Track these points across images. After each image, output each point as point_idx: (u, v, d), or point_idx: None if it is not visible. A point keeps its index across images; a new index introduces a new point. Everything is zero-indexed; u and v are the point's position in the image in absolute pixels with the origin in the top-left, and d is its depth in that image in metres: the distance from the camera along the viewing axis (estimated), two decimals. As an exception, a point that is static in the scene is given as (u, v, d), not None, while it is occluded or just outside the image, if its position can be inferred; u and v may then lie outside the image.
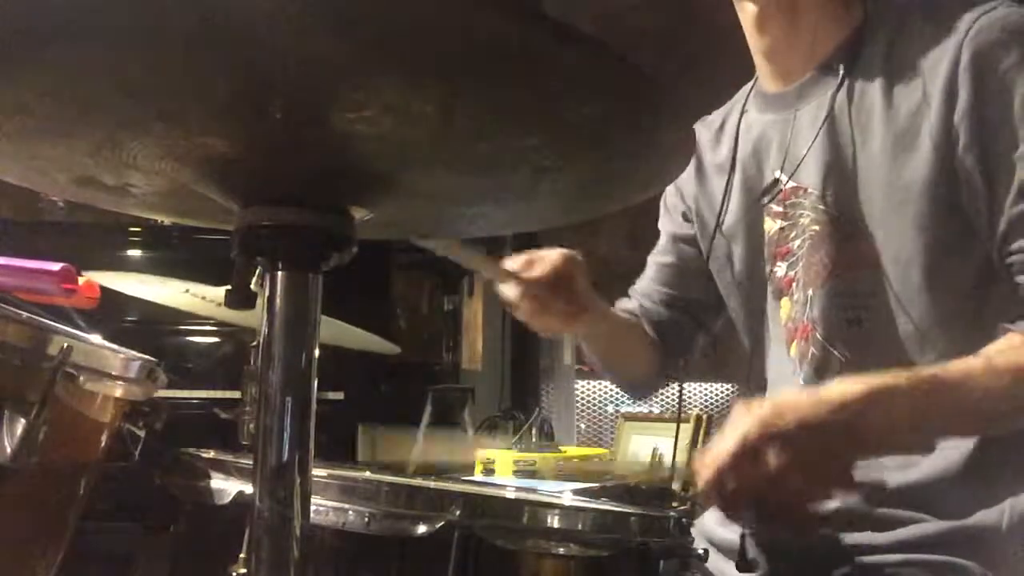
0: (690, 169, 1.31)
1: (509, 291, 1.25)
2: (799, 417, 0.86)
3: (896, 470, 1.00)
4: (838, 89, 1.07)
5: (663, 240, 1.40)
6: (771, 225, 1.17)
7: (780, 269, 1.16)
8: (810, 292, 1.10)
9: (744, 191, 1.21)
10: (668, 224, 1.39)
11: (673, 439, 2.45)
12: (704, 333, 1.39)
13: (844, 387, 0.89)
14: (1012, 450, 1.00)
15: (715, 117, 1.31)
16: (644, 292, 1.40)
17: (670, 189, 1.37)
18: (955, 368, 0.91)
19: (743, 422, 0.87)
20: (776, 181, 1.16)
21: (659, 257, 1.40)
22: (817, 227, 1.09)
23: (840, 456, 0.88)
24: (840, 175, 1.07)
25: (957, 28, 0.97)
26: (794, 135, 1.13)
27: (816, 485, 0.87)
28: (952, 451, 1.00)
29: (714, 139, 1.28)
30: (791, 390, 1.12)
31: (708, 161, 1.28)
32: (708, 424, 2.43)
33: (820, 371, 1.10)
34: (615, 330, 1.37)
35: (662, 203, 1.40)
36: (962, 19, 0.97)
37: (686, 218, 1.34)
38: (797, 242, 1.13)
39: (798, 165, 1.12)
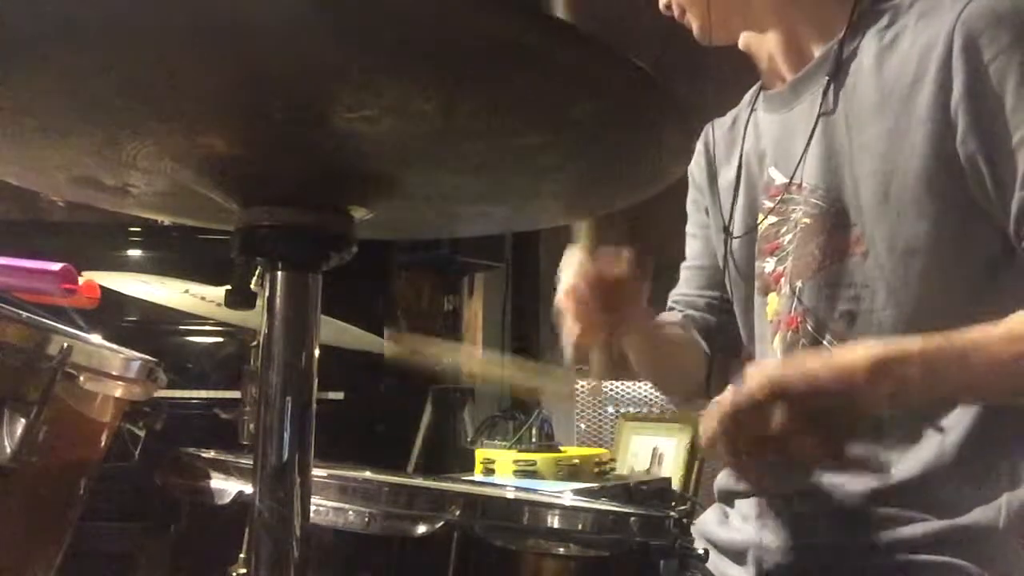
0: (706, 169, 1.32)
1: (571, 273, 1.18)
2: (807, 377, 0.87)
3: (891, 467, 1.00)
4: (829, 84, 1.08)
5: (693, 244, 1.39)
6: (763, 221, 1.18)
7: (768, 264, 1.17)
8: (799, 283, 1.11)
9: (747, 189, 1.22)
10: (695, 227, 1.38)
11: (673, 439, 2.45)
12: None
13: (855, 352, 0.89)
14: (1006, 443, 0.99)
15: (727, 117, 1.32)
16: (687, 302, 1.37)
17: (692, 191, 1.37)
18: (969, 334, 0.91)
19: (751, 378, 0.88)
20: (771, 178, 1.17)
21: (693, 262, 1.38)
22: (809, 220, 1.10)
23: (845, 417, 0.89)
24: (833, 167, 1.08)
25: (947, 14, 0.98)
26: (790, 132, 1.14)
27: (820, 443, 0.88)
28: (945, 446, 1.00)
29: (726, 138, 1.29)
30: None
31: (720, 161, 1.29)
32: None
33: None
34: (663, 343, 1.33)
35: (688, 207, 1.39)
36: (952, 5, 0.98)
37: (708, 216, 1.34)
38: (788, 237, 1.13)
39: (791, 160, 1.12)
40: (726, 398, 0.88)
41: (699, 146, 1.34)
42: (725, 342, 1.33)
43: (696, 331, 1.35)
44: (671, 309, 1.40)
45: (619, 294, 1.18)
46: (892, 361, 0.89)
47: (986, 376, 0.91)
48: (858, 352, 0.89)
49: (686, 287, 1.39)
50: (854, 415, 0.89)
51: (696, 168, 1.35)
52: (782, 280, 1.14)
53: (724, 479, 1.22)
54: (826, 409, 0.87)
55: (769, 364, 0.90)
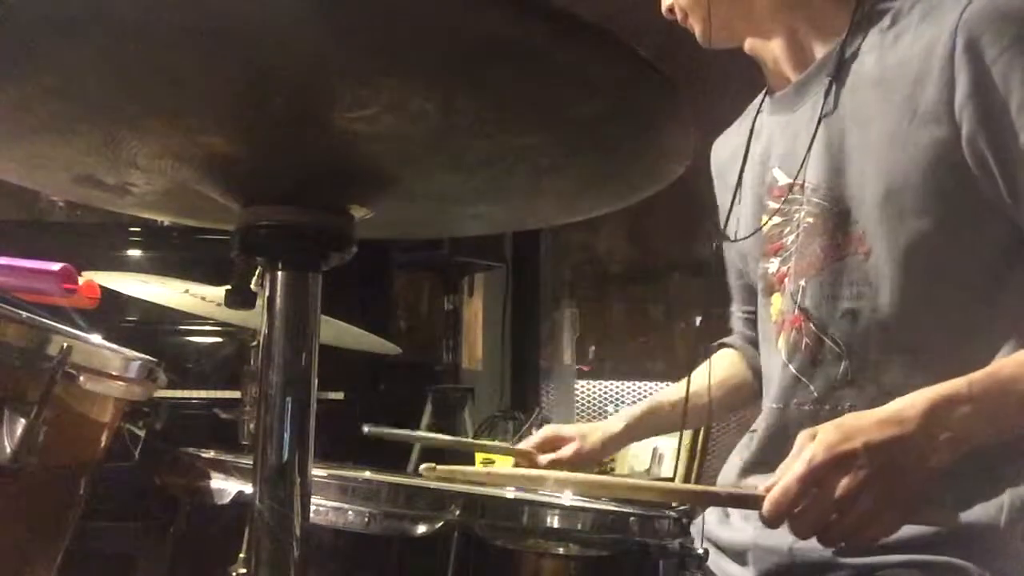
0: (719, 187, 1.34)
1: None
2: (866, 439, 0.87)
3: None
4: (831, 84, 1.08)
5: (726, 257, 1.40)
6: (767, 223, 1.18)
7: (772, 265, 1.17)
8: (802, 282, 1.11)
9: (752, 192, 1.22)
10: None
11: (673, 439, 2.45)
12: None
13: (905, 404, 0.90)
14: (1008, 439, 0.99)
15: (733, 127, 1.33)
16: (738, 317, 1.42)
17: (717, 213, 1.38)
18: (1011, 362, 0.92)
19: (809, 448, 0.88)
20: (775, 179, 1.17)
21: (731, 279, 1.41)
22: (812, 219, 1.10)
23: (909, 474, 0.88)
24: (836, 167, 1.08)
25: (949, 14, 0.98)
26: (793, 133, 1.15)
27: (887, 505, 0.87)
28: None
29: (730, 147, 1.32)
30: (783, 383, 1.13)
31: (726, 171, 1.30)
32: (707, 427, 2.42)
33: (815, 362, 1.10)
34: (659, 425, 1.48)
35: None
36: (954, 5, 0.98)
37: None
38: (791, 237, 1.14)
39: (795, 160, 1.13)
40: (789, 476, 0.87)
41: (712, 170, 1.37)
42: None
43: (748, 350, 1.40)
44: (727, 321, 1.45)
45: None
46: (943, 403, 0.89)
47: None
48: (909, 402, 0.90)
49: (733, 302, 1.43)
50: (916, 468, 0.89)
51: (714, 189, 1.37)
52: (786, 280, 1.15)
53: (725, 480, 1.22)
54: (887, 466, 0.87)
55: (824, 431, 0.89)
